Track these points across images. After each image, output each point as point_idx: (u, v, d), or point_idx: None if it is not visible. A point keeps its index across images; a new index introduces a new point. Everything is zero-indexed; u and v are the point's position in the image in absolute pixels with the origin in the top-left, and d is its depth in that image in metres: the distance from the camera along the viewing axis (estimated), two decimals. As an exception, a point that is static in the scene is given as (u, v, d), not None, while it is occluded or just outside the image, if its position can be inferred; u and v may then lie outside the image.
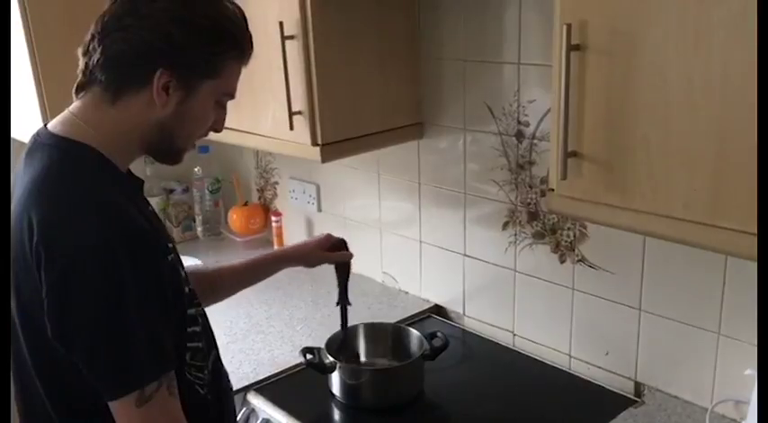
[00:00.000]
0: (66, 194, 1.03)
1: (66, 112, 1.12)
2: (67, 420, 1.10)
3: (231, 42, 1.11)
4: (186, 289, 1.15)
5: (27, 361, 1.08)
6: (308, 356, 1.58)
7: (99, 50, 1.06)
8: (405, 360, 1.62)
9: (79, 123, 1.09)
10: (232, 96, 1.18)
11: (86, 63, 1.08)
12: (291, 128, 1.62)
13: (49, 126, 1.11)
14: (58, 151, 1.07)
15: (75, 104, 1.12)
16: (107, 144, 1.08)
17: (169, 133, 1.11)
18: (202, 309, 1.23)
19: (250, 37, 1.15)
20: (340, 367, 1.54)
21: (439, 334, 1.61)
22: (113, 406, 1.01)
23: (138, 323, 1.00)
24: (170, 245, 1.13)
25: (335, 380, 1.56)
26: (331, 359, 1.55)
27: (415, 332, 1.66)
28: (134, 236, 1.01)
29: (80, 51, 1.09)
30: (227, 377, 1.31)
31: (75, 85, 1.11)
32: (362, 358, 1.71)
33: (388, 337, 1.71)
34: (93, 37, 1.07)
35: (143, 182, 1.19)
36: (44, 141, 1.09)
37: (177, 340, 1.09)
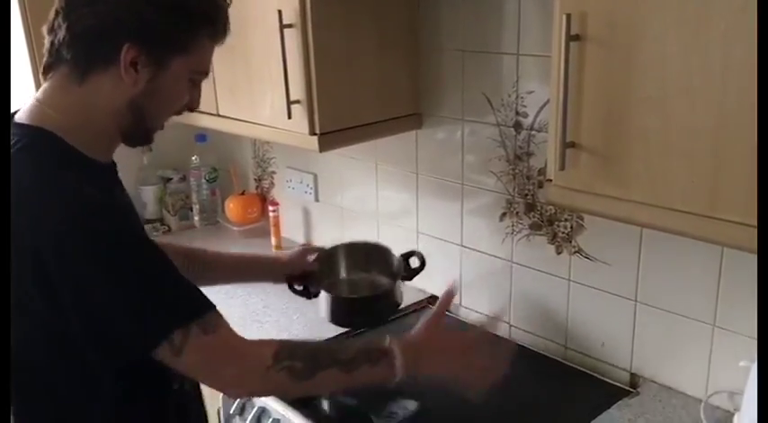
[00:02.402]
0: (36, 191, 0.99)
1: (32, 100, 1.08)
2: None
3: (202, 18, 1.08)
4: None
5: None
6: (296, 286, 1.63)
7: (64, 27, 1.02)
8: (384, 274, 1.67)
9: (45, 110, 1.05)
10: (206, 75, 1.15)
11: (52, 41, 1.04)
12: (290, 117, 1.62)
13: (16, 116, 1.07)
14: (23, 140, 1.02)
15: (42, 88, 1.08)
16: (76, 130, 1.05)
17: (140, 113, 1.08)
18: None
19: (226, 16, 1.12)
20: (322, 293, 1.59)
21: (415, 251, 1.64)
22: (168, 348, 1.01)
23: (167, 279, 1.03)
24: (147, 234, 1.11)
25: (323, 304, 1.61)
26: (318, 289, 1.59)
27: (392, 252, 1.68)
28: (110, 216, 1.01)
29: (45, 29, 1.05)
30: None
31: (42, 67, 1.07)
32: (343, 274, 1.72)
33: (368, 252, 1.73)
34: (57, 13, 1.03)
35: (115, 166, 1.16)
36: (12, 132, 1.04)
37: None
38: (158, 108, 1.11)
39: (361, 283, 1.71)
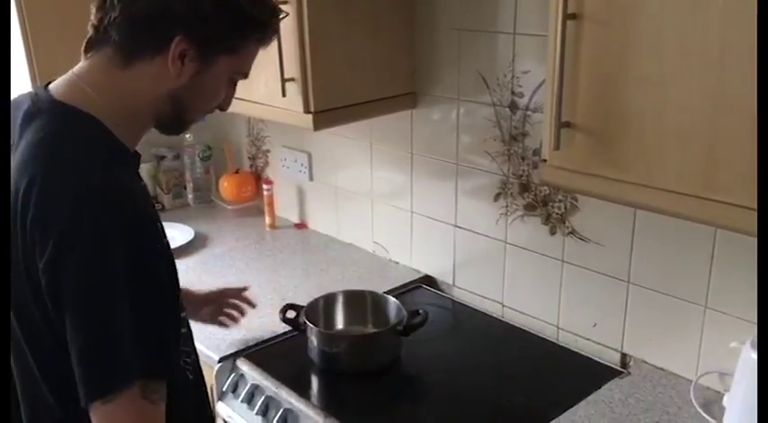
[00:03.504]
0: (64, 173, 0.95)
1: (70, 74, 1.04)
2: (67, 406, 1.03)
3: (256, 23, 1.06)
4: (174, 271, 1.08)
5: (22, 344, 1.04)
6: (289, 313, 1.62)
7: (119, 8, 0.99)
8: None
9: (84, 88, 1.02)
10: (246, 76, 1.13)
11: (100, 18, 1.01)
12: (284, 95, 1.61)
13: (51, 88, 1.03)
14: (58, 121, 1.00)
15: (81, 65, 1.04)
16: (113, 114, 1.02)
17: (180, 106, 1.06)
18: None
19: (277, 22, 1.12)
20: (311, 330, 1.57)
21: (421, 311, 1.59)
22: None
23: (131, 318, 0.93)
24: (159, 224, 1.04)
25: (312, 344, 1.58)
26: (306, 321, 1.58)
27: (394, 302, 1.66)
28: (135, 225, 0.95)
29: (95, 3, 1.02)
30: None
31: (85, 42, 1.04)
32: (340, 325, 1.72)
33: (367, 305, 1.72)
34: None
35: (140, 156, 1.13)
36: (43, 107, 1.01)
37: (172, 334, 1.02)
38: (196, 103, 1.09)
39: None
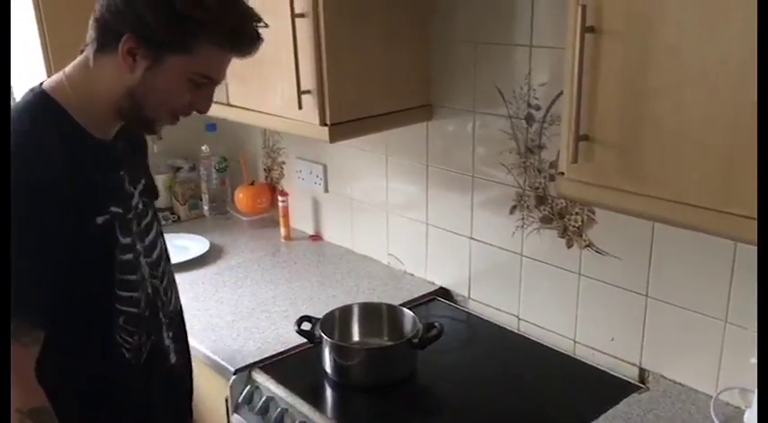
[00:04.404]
0: (13, 138, 1.07)
1: (60, 71, 1.18)
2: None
3: (200, 24, 1.10)
4: (125, 256, 1.21)
5: None
6: (304, 325, 1.62)
7: (96, 9, 1.12)
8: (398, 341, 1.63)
9: (62, 80, 1.16)
10: (211, 80, 1.18)
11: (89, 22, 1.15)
12: (300, 107, 1.61)
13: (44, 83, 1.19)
14: (25, 102, 1.15)
15: (73, 61, 1.18)
16: (79, 103, 1.14)
17: (137, 102, 1.14)
18: (159, 280, 1.31)
19: (239, 27, 1.14)
20: (326, 343, 1.56)
21: (437, 324, 1.58)
22: None
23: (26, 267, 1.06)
24: (115, 209, 1.18)
25: (327, 357, 1.57)
26: (321, 334, 1.57)
27: (409, 315, 1.66)
28: (31, 191, 1.06)
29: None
30: (183, 354, 1.41)
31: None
32: (356, 337, 1.71)
33: (383, 317, 1.71)
34: None
35: (113, 146, 1.22)
36: (31, 93, 1.16)
37: (84, 297, 1.16)
38: (154, 101, 1.15)
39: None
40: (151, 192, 1.36)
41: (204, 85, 1.18)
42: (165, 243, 1.38)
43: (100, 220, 1.16)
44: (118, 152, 1.24)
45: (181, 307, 1.45)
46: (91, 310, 1.19)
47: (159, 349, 1.33)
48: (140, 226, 1.27)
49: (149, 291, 1.29)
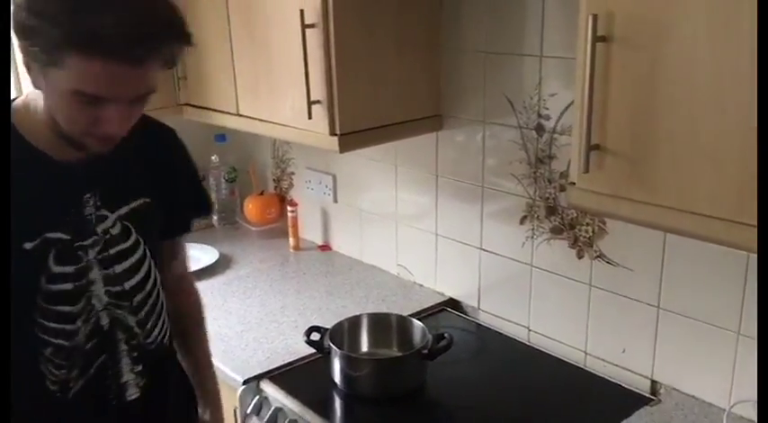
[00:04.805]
0: None
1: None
2: None
3: (45, 37, 0.97)
4: (59, 286, 1.13)
5: None
6: (313, 335, 1.61)
7: None
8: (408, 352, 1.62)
9: (26, 96, 1.14)
10: (91, 97, 1.01)
11: None
12: (310, 117, 1.61)
13: None
14: None
15: None
16: (31, 123, 1.11)
17: (55, 120, 1.07)
18: (127, 311, 1.20)
19: (93, 33, 0.95)
20: (336, 353, 1.55)
21: (446, 335, 1.57)
22: None
23: None
24: (53, 235, 1.11)
25: (336, 367, 1.56)
26: (330, 344, 1.56)
27: (419, 325, 1.65)
28: None
29: None
30: (158, 390, 1.28)
31: None
32: (365, 348, 1.71)
33: (392, 328, 1.71)
34: None
35: (73, 164, 1.13)
36: None
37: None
38: (61, 120, 1.06)
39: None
40: (148, 215, 1.23)
41: (97, 104, 1.02)
42: (157, 272, 1.27)
43: (28, 245, 1.10)
44: (88, 173, 1.15)
45: (169, 340, 1.32)
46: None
47: (105, 384, 1.21)
48: (107, 253, 1.17)
49: (103, 322, 1.18)
